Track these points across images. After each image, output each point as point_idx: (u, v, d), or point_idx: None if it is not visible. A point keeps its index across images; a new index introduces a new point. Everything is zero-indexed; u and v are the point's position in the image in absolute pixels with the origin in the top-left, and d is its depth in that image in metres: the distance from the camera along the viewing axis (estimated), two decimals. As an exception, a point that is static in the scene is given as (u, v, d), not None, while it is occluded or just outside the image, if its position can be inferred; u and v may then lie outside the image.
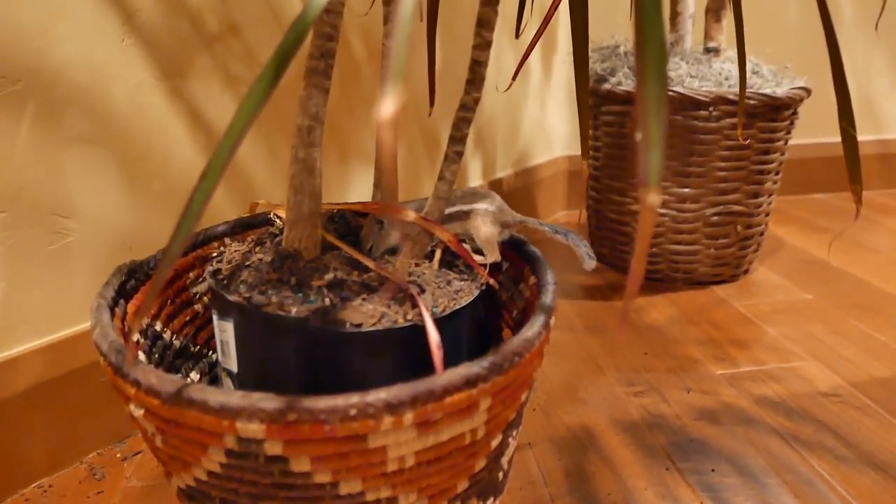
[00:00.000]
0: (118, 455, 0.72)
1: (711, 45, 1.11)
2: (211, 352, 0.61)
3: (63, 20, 0.63)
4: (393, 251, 0.53)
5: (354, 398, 0.36)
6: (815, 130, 1.49)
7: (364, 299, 0.46)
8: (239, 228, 0.63)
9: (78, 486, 0.67)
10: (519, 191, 1.38)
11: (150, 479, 0.68)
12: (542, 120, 1.44)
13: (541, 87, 1.42)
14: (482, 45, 0.49)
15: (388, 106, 0.20)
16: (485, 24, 0.49)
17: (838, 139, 0.52)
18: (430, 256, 0.53)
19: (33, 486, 0.67)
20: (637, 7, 0.34)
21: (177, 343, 0.57)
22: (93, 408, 0.71)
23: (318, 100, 0.50)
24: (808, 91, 1.05)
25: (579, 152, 1.64)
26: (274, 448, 0.37)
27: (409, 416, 0.37)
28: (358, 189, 1.01)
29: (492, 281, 0.53)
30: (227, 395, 0.36)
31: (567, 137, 1.52)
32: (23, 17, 0.60)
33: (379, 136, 0.20)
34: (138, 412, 0.40)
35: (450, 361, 0.43)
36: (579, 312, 1.04)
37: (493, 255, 0.55)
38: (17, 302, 0.64)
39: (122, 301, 0.50)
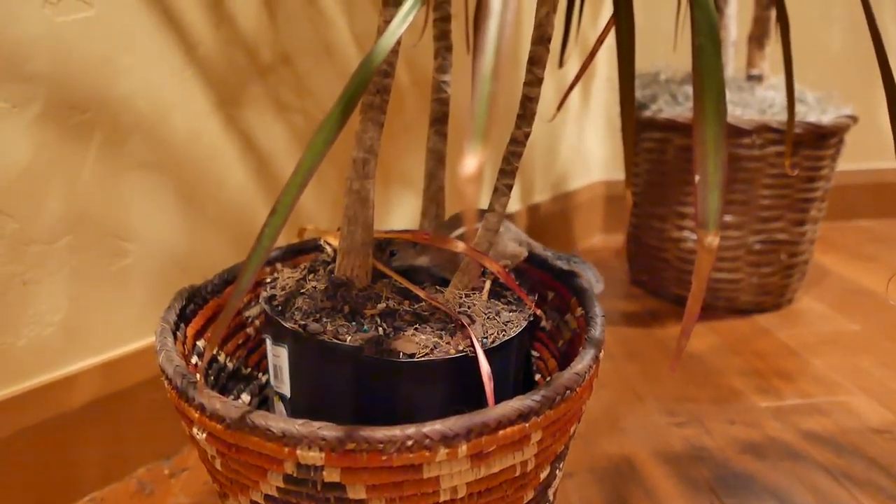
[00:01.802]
0: (166, 472, 0.74)
1: (754, 72, 1.10)
2: (261, 374, 0.63)
3: (129, 53, 0.67)
4: (444, 282, 0.54)
5: (411, 429, 0.37)
6: (859, 156, 1.47)
7: (416, 329, 0.47)
8: (290, 254, 0.65)
9: (128, 501, 0.69)
10: (556, 215, 1.39)
11: (197, 496, 0.70)
12: (579, 144, 1.45)
13: (579, 111, 1.43)
14: (533, 81, 0.51)
15: (470, 163, 0.21)
16: (537, 62, 0.50)
17: (884, 165, 0.52)
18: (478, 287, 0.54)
19: (86, 498, 0.69)
20: (695, 52, 0.35)
21: (230, 365, 0.59)
22: (143, 425, 0.73)
23: (374, 133, 0.51)
24: (854, 119, 1.04)
25: (617, 177, 1.64)
26: (332, 475, 0.38)
27: (463, 448, 0.38)
28: (398, 214, 1.03)
29: (539, 312, 0.53)
30: (289, 423, 0.38)
31: (605, 161, 1.52)
32: (93, 50, 0.64)
33: (462, 190, 0.21)
34: (201, 435, 0.41)
35: (498, 391, 0.44)
36: (618, 340, 1.03)
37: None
38: (78, 321, 0.67)
39: (182, 325, 0.52)
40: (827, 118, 1.00)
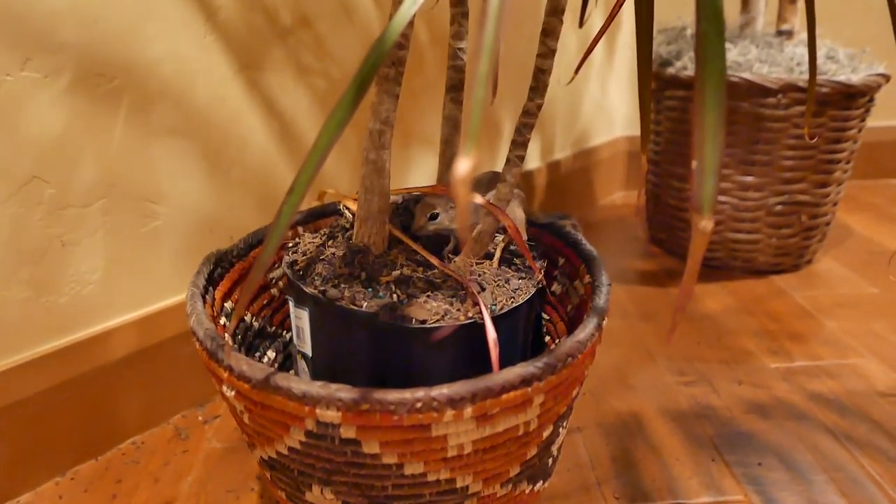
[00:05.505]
0: (200, 418, 0.79)
1: (784, 27, 1.07)
2: (285, 332, 0.67)
3: (153, 21, 0.68)
4: (455, 250, 0.56)
5: (420, 392, 0.40)
6: (891, 113, 1.42)
7: (428, 296, 0.49)
8: (311, 217, 0.68)
9: (166, 445, 0.74)
10: (577, 172, 1.38)
11: (229, 441, 0.75)
12: (602, 100, 1.43)
13: (602, 67, 1.40)
14: (546, 53, 0.51)
15: (463, 165, 0.23)
16: (549, 34, 0.50)
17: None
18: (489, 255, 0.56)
19: (128, 442, 0.75)
20: (698, 38, 0.35)
21: (256, 324, 0.63)
22: (177, 375, 0.78)
23: (389, 105, 0.53)
24: (886, 77, 1.01)
25: (639, 133, 1.62)
26: (348, 432, 0.42)
27: (468, 410, 0.41)
28: (418, 173, 1.04)
29: (543, 281, 0.55)
30: (309, 385, 0.41)
31: (628, 118, 1.50)
32: (118, 19, 0.65)
33: (455, 191, 0.23)
34: (230, 393, 0.45)
35: (506, 355, 0.46)
36: (634, 298, 1.05)
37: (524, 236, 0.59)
38: (114, 279, 0.71)
39: (210, 288, 0.56)
40: (857, 77, 0.98)
